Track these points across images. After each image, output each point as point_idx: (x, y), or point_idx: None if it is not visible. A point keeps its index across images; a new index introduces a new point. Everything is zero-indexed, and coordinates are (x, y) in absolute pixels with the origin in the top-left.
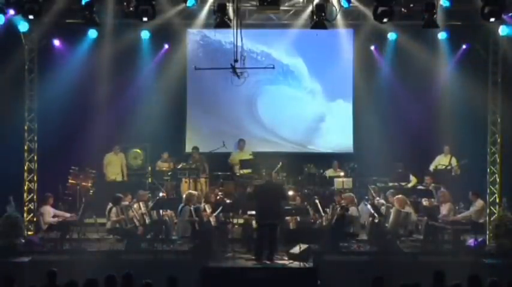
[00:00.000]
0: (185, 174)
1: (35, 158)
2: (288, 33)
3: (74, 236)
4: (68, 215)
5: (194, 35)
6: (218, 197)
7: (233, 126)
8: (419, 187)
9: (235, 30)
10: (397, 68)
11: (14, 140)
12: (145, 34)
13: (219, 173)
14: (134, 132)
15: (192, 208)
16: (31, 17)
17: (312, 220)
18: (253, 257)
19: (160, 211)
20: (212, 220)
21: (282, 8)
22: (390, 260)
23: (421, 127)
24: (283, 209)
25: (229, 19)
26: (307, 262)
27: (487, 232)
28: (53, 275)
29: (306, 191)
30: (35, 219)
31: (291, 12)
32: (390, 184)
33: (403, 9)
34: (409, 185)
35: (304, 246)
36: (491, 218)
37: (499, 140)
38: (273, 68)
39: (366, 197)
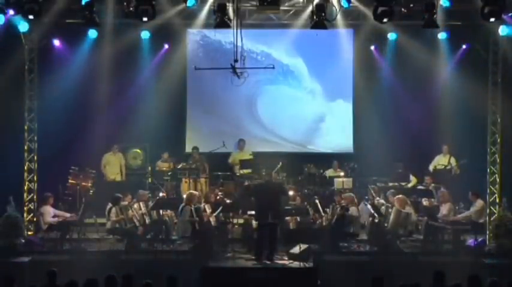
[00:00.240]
0: (185, 174)
1: (35, 158)
2: (288, 33)
3: (74, 236)
4: (68, 215)
5: (194, 35)
6: (218, 197)
7: (233, 126)
8: (419, 187)
9: (235, 30)
10: (397, 68)
11: (14, 140)
12: (145, 34)
13: (219, 173)
14: (134, 132)
15: (193, 208)
16: (31, 17)
17: (312, 220)
18: (253, 257)
19: (160, 211)
20: (212, 220)
21: (282, 8)
22: (390, 260)
23: (421, 127)
24: (283, 209)
25: (229, 19)
26: (307, 262)
27: (487, 232)
28: (53, 275)
29: (306, 191)
30: (35, 219)
31: (291, 12)
32: (390, 184)
33: (403, 9)
34: (409, 185)
35: (304, 246)
36: (491, 218)
37: (499, 140)
38: (273, 68)
39: (366, 197)
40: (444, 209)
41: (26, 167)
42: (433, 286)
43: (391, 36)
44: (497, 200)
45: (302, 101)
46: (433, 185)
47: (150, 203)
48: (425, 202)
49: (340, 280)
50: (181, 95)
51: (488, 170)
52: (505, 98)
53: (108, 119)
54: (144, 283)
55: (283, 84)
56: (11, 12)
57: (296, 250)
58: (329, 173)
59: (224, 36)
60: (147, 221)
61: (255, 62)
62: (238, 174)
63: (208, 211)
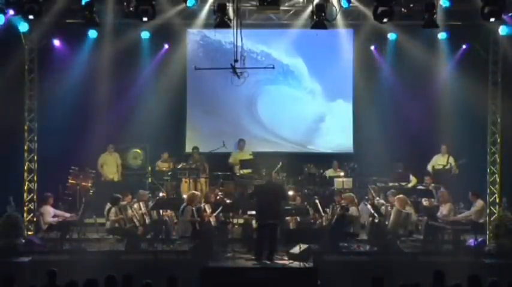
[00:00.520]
0: (185, 174)
1: (35, 158)
2: (288, 33)
3: (74, 236)
4: (68, 215)
5: (194, 35)
6: (218, 197)
7: (233, 126)
8: (419, 187)
9: (235, 30)
10: (397, 68)
11: (14, 140)
12: (145, 34)
13: (219, 173)
14: (134, 132)
15: (194, 208)
16: (31, 17)
17: (312, 220)
18: (253, 257)
19: (160, 211)
20: (212, 220)
21: (282, 8)
22: (390, 260)
23: (421, 127)
24: (283, 209)
25: (229, 19)
26: (307, 262)
27: (487, 232)
28: (53, 275)
29: (306, 191)
30: (35, 219)
31: (291, 12)
32: (390, 184)
33: (403, 9)
34: (409, 185)
35: (304, 246)
36: (491, 218)
37: (499, 140)
38: (273, 68)
39: (366, 197)
40: (444, 209)
41: (26, 167)
42: (433, 286)
43: (391, 36)
44: (497, 200)
45: (302, 101)
46: (433, 185)
47: (150, 203)
48: (425, 202)
49: (340, 280)
50: (181, 95)
51: (488, 170)
52: (505, 98)
53: (108, 119)
54: (144, 283)
55: (283, 84)
56: (11, 12)
57: (296, 250)
58: (329, 173)
59: (224, 36)
60: (147, 221)
61: (255, 62)
62: (238, 174)
63: (208, 211)
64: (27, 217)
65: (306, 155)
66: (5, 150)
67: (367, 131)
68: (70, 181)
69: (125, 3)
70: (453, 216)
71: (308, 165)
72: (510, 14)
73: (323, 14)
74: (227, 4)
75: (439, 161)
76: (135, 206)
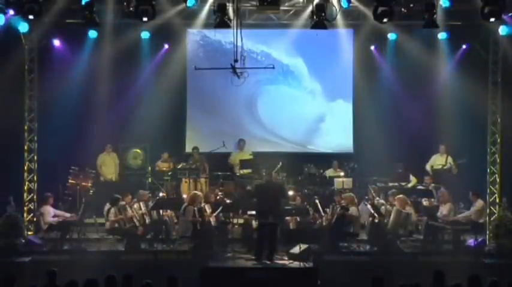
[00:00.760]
0: (185, 174)
1: (35, 158)
2: (288, 33)
3: (74, 236)
4: (68, 215)
5: (194, 35)
6: (218, 197)
7: (233, 126)
8: (419, 187)
9: (235, 30)
10: (397, 68)
11: (14, 140)
12: (145, 34)
13: (219, 173)
14: (134, 132)
15: (196, 208)
16: (31, 17)
17: (312, 220)
18: (253, 257)
19: (160, 211)
20: (212, 220)
21: (282, 8)
22: (390, 260)
23: (421, 127)
24: (283, 209)
25: (229, 19)
26: (307, 262)
27: (487, 232)
28: (53, 275)
29: (306, 191)
30: (35, 219)
31: (291, 12)
32: (390, 184)
33: (403, 9)
34: (409, 185)
35: (304, 246)
36: (491, 218)
37: (499, 140)
38: (273, 68)
39: (366, 197)
40: (444, 209)
41: (26, 167)
42: (433, 286)
43: (391, 36)
44: (497, 200)
45: (302, 101)
46: (433, 185)
47: (150, 203)
48: (425, 202)
49: (340, 280)
50: (181, 95)
51: (488, 170)
52: (505, 98)
53: (108, 119)
54: (144, 283)
55: (283, 84)
56: (11, 12)
57: (296, 250)
58: (329, 173)
59: (224, 36)
60: (147, 221)
61: (255, 62)
62: (238, 174)
63: (208, 211)
64: (27, 217)
65: (306, 155)
66: (5, 150)
67: (367, 131)
68: (70, 181)
69: (125, 3)
70: (453, 216)
71: (308, 165)
72: (510, 14)
73: (323, 14)
74: (227, 4)
75: (438, 161)
76: (135, 206)
